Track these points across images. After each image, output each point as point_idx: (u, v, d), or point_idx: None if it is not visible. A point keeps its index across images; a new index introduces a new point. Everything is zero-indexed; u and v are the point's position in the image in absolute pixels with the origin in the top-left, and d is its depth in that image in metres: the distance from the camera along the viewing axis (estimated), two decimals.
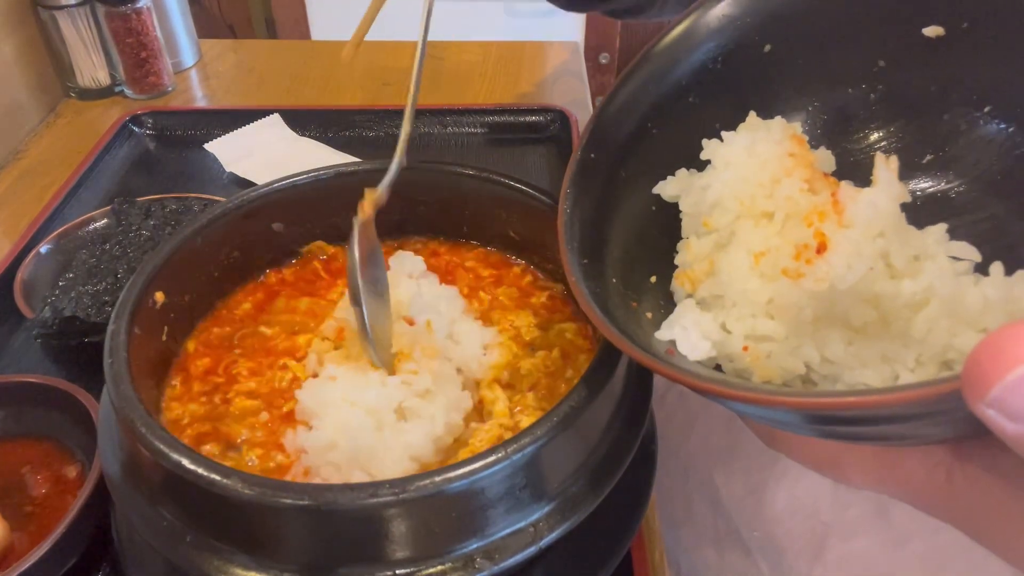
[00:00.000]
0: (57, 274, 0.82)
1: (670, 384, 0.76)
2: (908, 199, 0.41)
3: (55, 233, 0.88)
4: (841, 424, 0.32)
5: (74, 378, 0.66)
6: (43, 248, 0.86)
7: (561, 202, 0.47)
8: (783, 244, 0.41)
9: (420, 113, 1.17)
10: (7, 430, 0.65)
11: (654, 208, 0.49)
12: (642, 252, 0.48)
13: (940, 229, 0.40)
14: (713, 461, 0.70)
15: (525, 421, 0.54)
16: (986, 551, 0.50)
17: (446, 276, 0.67)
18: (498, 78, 1.37)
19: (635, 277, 0.47)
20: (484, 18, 2.42)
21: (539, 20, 2.44)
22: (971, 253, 0.40)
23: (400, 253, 0.64)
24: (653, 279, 0.48)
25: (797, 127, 0.46)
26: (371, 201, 0.58)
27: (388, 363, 0.55)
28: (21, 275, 0.82)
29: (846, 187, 0.40)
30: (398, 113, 1.18)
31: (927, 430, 0.31)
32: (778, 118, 0.46)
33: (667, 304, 0.46)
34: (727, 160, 0.45)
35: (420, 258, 0.65)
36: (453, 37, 1.47)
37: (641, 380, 0.55)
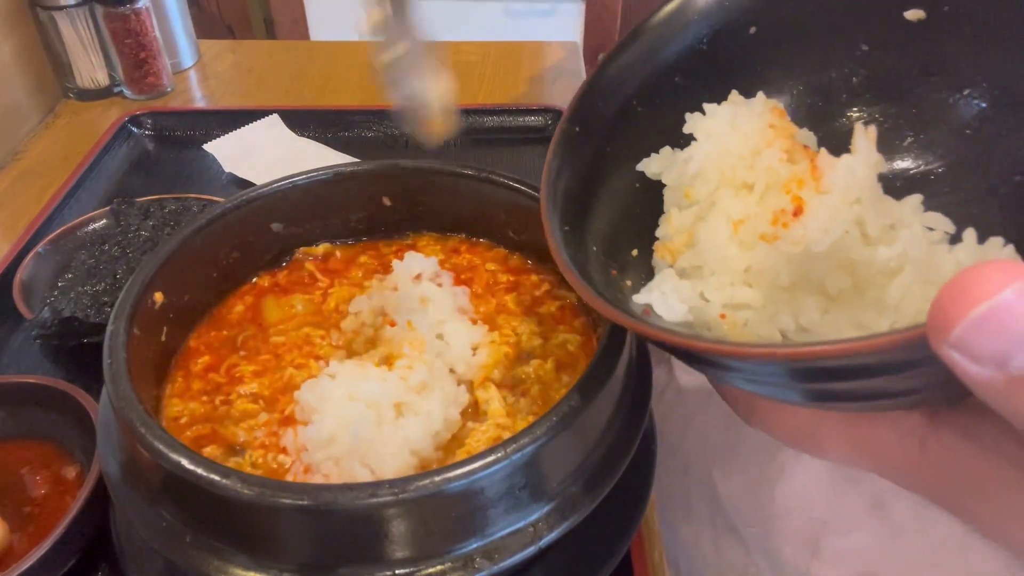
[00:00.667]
0: (56, 275, 0.82)
1: (668, 382, 0.76)
2: (884, 168, 0.41)
3: (54, 234, 0.88)
4: (813, 380, 0.32)
5: (73, 379, 0.66)
6: (42, 249, 0.86)
7: (545, 172, 0.47)
8: (762, 212, 0.42)
9: None
10: (6, 431, 0.65)
11: (638, 185, 0.49)
12: (625, 226, 0.48)
13: (916, 199, 0.41)
14: (711, 459, 0.70)
15: (517, 425, 0.54)
16: (981, 544, 0.50)
17: (465, 273, 0.67)
18: (497, 78, 1.37)
19: (617, 250, 0.47)
20: (483, 18, 2.42)
21: (538, 20, 2.44)
22: (945, 224, 0.40)
23: (410, 254, 0.64)
24: (635, 253, 0.48)
25: (779, 104, 0.47)
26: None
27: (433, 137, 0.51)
28: (20, 276, 0.82)
29: (824, 155, 0.41)
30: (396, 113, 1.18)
31: (901, 384, 0.30)
32: (760, 94, 0.47)
33: (648, 277, 0.47)
34: (709, 132, 0.46)
35: (434, 258, 0.64)
36: (452, 37, 1.47)
37: (641, 379, 0.55)
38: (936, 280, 0.36)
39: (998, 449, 0.31)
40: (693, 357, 0.37)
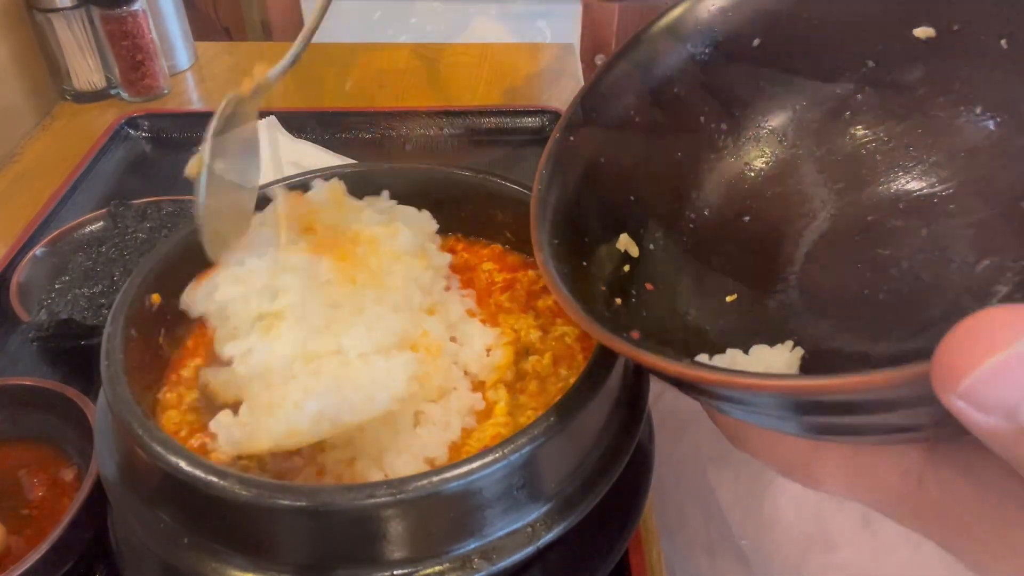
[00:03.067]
0: (53, 277, 0.82)
1: (662, 390, 0.76)
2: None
3: (51, 236, 0.88)
4: (808, 413, 0.31)
5: (70, 381, 0.66)
6: (39, 251, 0.86)
7: (536, 183, 0.46)
8: None
9: (416, 115, 1.18)
10: (3, 433, 0.65)
11: (632, 198, 0.48)
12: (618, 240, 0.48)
13: None
14: (704, 468, 0.70)
15: (517, 421, 0.54)
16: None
17: (464, 274, 0.67)
18: (493, 80, 1.37)
19: (609, 263, 0.47)
20: (479, 20, 2.41)
21: (534, 22, 2.44)
22: None
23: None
24: (627, 268, 0.47)
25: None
26: (252, 79, 0.53)
27: (216, 255, 0.52)
28: (17, 278, 0.82)
29: None
30: (395, 115, 1.18)
31: (900, 420, 0.29)
32: None
33: (640, 292, 0.46)
34: None
35: (448, 256, 0.64)
36: (448, 39, 1.47)
37: (638, 379, 0.55)
38: None
39: (998, 487, 0.30)
40: (686, 385, 0.35)
